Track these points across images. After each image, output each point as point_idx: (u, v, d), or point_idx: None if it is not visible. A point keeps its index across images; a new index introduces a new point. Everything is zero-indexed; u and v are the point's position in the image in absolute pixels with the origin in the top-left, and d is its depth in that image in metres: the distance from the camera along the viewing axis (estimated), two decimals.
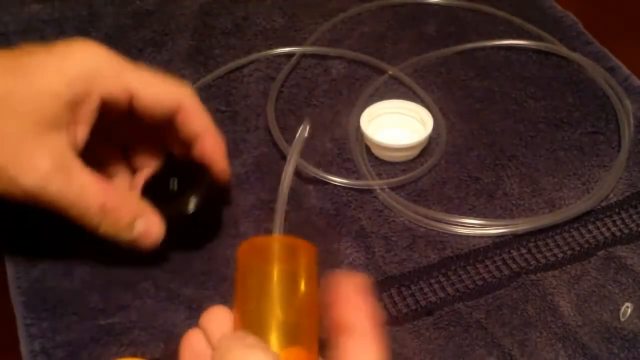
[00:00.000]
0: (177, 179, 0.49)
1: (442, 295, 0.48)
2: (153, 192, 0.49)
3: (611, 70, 0.63)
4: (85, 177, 0.44)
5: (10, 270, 0.50)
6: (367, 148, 0.57)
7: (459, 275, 0.49)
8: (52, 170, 0.42)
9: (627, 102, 0.60)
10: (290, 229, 0.40)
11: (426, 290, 0.49)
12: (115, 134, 0.50)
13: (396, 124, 0.59)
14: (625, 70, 0.63)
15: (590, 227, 0.52)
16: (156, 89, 0.47)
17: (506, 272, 0.50)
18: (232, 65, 0.64)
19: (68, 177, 0.43)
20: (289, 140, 0.58)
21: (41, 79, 0.42)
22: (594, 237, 0.52)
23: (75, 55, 0.44)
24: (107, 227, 0.45)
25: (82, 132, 0.45)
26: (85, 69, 0.44)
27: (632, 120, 0.59)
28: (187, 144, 0.49)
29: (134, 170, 0.51)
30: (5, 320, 0.47)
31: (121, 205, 0.45)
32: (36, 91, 0.42)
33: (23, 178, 0.42)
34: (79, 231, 0.52)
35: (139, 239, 0.46)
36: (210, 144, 0.49)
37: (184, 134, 0.49)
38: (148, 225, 0.46)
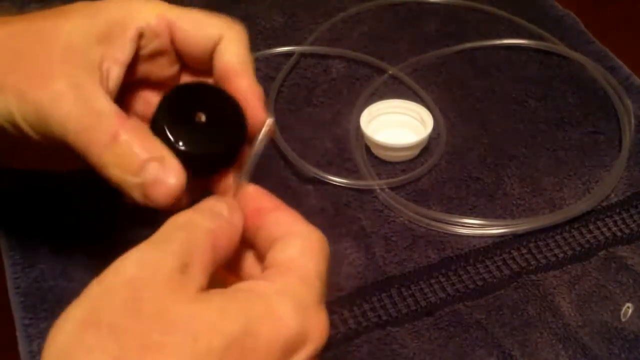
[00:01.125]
0: (205, 110, 0.38)
1: (442, 295, 0.48)
2: (169, 122, 0.38)
3: (612, 69, 0.63)
4: (101, 101, 0.37)
5: (8, 270, 0.49)
6: (367, 148, 0.57)
7: (459, 275, 0.49)
8: (66, 88, 0.37)
9: (628, 102, 0.60)
10: None
11: (426, 290, 0.49)
12: (150, 73, 0.43)
13: (396, 124, 0.59)
14: (626, 69, 0.63)
15: (591, 227, 0.52)
16: (198, 19, 0.41)
17: (506, 272, 0.49)
18: None
19: (82, 97, 0.37)
20: (289, 140, 0.58)
21: (74, 16, 0.39)
22: (594, 237, 0.51)
23: None
24: (114, 165, 0.37)
25: (115, 72, 0.39)
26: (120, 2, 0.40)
27: (632, 120, 0.59)
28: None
29: None
30: (4, 320, 0.47)
31: (135, 141, 0.37)
32: (69, 28, 0.38)
33: (33, 91, 0.37)
34: (78, 231, 0.52)
35: (149, 187, 0.37)
36: (246, 82, 0.41)
37: (219, 69, 0.41)
38: (164, 171, 0.37)
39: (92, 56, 0.38)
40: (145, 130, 0.39)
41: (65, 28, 0.39)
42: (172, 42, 0.41)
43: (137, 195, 0.37)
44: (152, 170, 0.37)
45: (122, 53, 0.39)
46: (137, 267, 0.30)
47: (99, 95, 0.38)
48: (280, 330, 0.29)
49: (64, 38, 0.38)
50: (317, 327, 0.31)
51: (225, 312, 0.29)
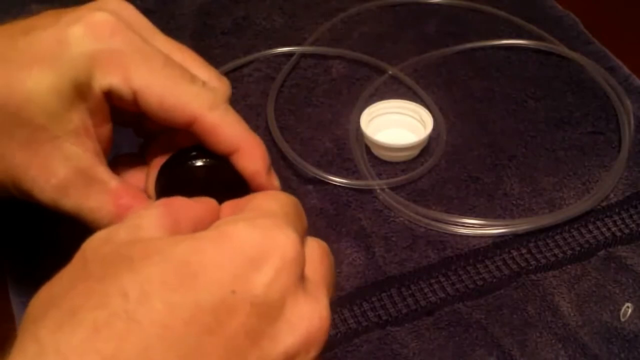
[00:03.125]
0: (203, 176, 0.38)
1: (442, 295, 0.48)
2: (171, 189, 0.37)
3: (611, 70, 0.63)
4: (103, 184, 0.38)
5: (9, 270, 0.49)
6: (367, 148, 0.57)
7: (459, 275, 0.49)
8: (72, 176, 0.37)
9: (628, 102, 0.60)
10: None
11: (426, 290, 0.49)
12: (125, 122, 0.42)
13: (396, 124, 0.59)
14: (626, 70, 0.63)
15: (591, 227, 0.52)
16: (163, 95, 0.37)
17: (506, 272, 0.50)
18: (231, 65, 0.64)
19: (87, 185, 0.38)
20: (289, 141, 0.58)
21: (36, 73, 0.36)
22: (594, 237, 0.51)
23: (74, 33, 0.36)
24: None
25: (105, 132, 0.39)
26: (82, 55, 0.36)
27: (632, 120, 0.59)
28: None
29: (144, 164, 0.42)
30: (4, 320, 0.47)
31: (136, 204, 0.38)
32: (32, 90, 0.36)
33: (43, 182, 0.37)
34: (79, 232, 0.51)
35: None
36: (246, 162, 0.39)
37: (215, 143, 0.39)
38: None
39: (71, 120, 0.37)
40: (140, 193, 0.40)
41: (29, 86, 0.36)
42: (135, 104, 0.38)
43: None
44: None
45: (96, 112, 0.38)
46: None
47: (100, 176, 0.38)
48: (231, 246, 0.29)
49: (33, 108, 0.36)
50: (280, 239, 0.30)
51: (177, 242, 0.29)
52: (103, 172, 0.38)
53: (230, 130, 0.38)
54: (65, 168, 0.37)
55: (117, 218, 0.38)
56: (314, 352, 0.30)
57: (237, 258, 0.28)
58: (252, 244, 0.29)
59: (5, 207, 0.53)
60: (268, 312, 0.28)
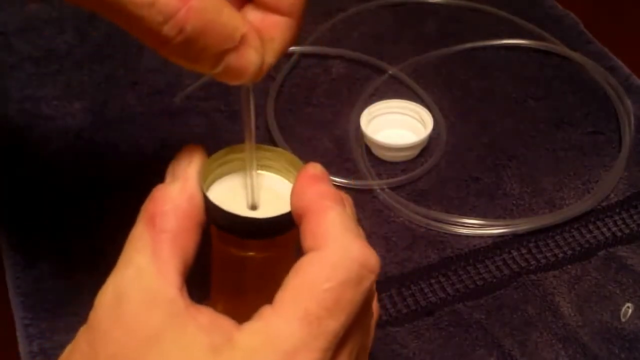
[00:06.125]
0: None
1: (442, 295, 0.48)
2: None
3: (612, 69, 0.63)
4: None
5: (9, 270, 0.49)
6: (367, 148, 0.57)
7: (459, 275, 0.49)
8: None
9: (628, 102, 0.60)
10: None
11: (426, 290, 0.49)
12: None
13: (396, 124, 0.59)
14: (626, 69, 0.63)
15: (591, 227, 0.52)
16: None
17: (506, 272, 0.49)
18: None
19: None
20: (289, 141, 0.58)
21: None
22: (594, 237, 0.51)
23: None
24: (183, 46, 0.28)
25: None
26: None
27: (632, 120, 0.59)
28: None
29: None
30: (4, 320, 0.47)
31: (217, 18, 0.28)
32: None
33: None
34: (79, 231, 0.51)
35: (229, 73, 0.30)
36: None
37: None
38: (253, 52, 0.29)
39: None
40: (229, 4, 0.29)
41: None
42: None
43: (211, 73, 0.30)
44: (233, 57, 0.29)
45: None
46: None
47: None
48: None
49: None
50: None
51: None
52: None
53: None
54: None
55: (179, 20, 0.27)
56: None
57: None
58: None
59: (5, 206, 0.53)
60: None
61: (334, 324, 0.28)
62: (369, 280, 0.29)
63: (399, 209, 0.53)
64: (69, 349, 0.30)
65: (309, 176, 0.31)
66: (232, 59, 0.29)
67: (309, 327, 0.27)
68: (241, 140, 0.35)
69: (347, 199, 0.33)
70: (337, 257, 0.29)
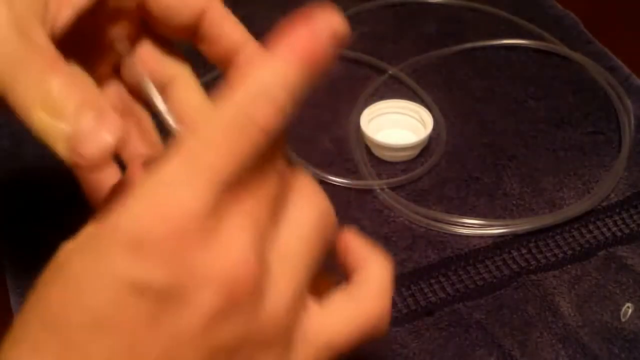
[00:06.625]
0: None
1: (442, 295, 0.48)
2: None
3: (612, 69, 0.63)
4: (39, 36, 0.31)
5: (9, 272, 0.49)
6: (367, 148, 0.57)
7: (459, 275, 0.49)
8: (7, 22, 0.30)
9: (628, 102, 0.60)
10: None
11: (426, 290, 0.49)
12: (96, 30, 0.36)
13: (396, 124, 0.59)
14: (626, 69, 0.63)
15: (591, 227, 0.52)
16: None
17: (506, 272, 0.49)
18: None
19: (18, 26, 0.31)
20: (289, 140, 0.57)
21: None
22: (594, 237, 0.51)
23: None
24: (42, 106, 0.30)
25: (64, 16, 0.33)
26: None
27: (632, 120, 0.59)
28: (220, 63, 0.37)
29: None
30: (4, 320, 0.47)
31: (73, 84, 0.30)
32: None
33: None
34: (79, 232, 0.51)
35: (79, 139, 0.30)
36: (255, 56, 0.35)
37: (215, 50, 0.37)
38: (101, 123, 0.30)
39: None
40: (87, 79, 0.33)
41: None
42: (142, 13, 0.35)
43: (61, 148, 0.30)
44: (88, 120, 0.30)
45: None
46: None
47: (37, 30, 0.31)
48: None
49: None
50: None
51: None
52: (46, 40, 0.31)
53: (236, 24, 0.37)
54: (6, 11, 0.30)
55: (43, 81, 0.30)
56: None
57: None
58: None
59: (5, 205, 0.53)
60: None
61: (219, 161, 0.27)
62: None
63: (399, 209, 0.53)
64: None
65: None
66: None
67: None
68: None
69: None
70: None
